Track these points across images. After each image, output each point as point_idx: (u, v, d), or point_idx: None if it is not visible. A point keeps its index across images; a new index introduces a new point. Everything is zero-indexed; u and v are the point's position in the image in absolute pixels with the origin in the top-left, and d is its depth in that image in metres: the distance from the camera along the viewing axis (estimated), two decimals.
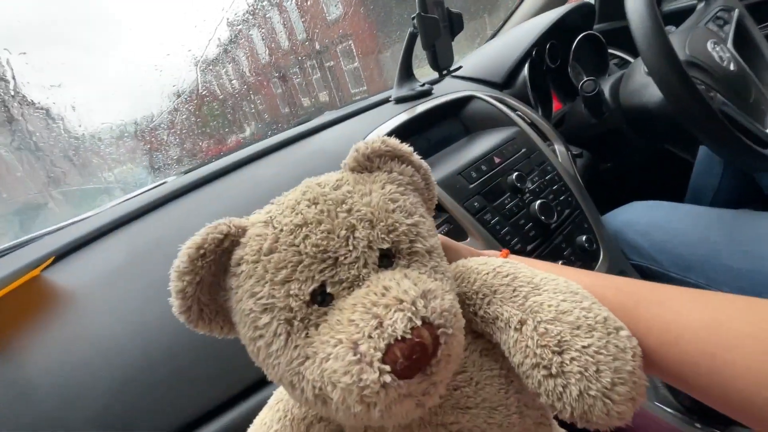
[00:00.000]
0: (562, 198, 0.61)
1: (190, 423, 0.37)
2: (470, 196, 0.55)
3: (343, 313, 0.22)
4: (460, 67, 0.78)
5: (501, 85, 0.81)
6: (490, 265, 0.29)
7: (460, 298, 0.28)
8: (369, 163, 0.28)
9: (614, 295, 0.27)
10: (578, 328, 0.23)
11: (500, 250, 0.41)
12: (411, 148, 0.30)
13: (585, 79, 0.68)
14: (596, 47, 0.93)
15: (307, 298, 0.23)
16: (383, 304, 0.21)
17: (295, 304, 0.23)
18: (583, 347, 0.23)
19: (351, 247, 0.24)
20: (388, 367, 0.19)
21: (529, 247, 0.55)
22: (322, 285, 0.23)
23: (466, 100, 0.73)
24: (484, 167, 0.58)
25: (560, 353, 0.23)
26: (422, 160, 0.30)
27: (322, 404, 0.22)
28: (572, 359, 0.23)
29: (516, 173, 0.58)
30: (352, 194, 0.25)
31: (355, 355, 0.20)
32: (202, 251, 0.24)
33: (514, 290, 0.27)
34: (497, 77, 0.81)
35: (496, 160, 0.60)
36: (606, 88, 0.75)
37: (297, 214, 0.25)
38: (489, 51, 0.92)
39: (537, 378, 0.24)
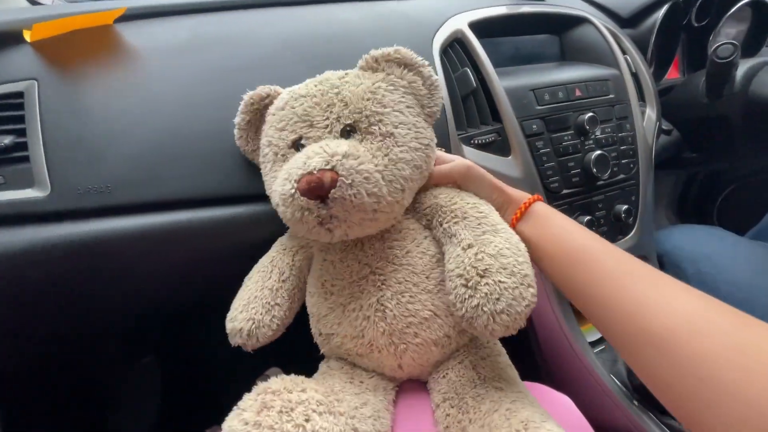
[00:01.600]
0: (624, 161, 0.56)
1: (200, 200, 0.41)
2: (532, 117, 0.51)
3: (299, 154, 0.32)
4: None
5: (624, 21, 0.69)
6: (473, 198, 0.38)
7: (438, 209, 0.37)
8: (376, 65, 0.37)
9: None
10: (504, 269, 0.31)
11: (533, 190, 0.43)
12: (424, 61, 0.37)
13: (723, 41, 0.56)
14: (760, 21, 0.76)
15: (290, 143, 0.35)
16: (315, 152, 0.31)
17: (282, 144, 0.36)
18: (499, 281, 0.31)
19: (325, 117, 0.35)
20: (296, 184, 0.30)
21: (565, 191, 0.52)
22: (300, 137, 0.35)
23: (578, 20, 0.63)
24: (561, 94, 0.53)
25: (481, 276, 0.31)
26: (432, 73, 0.38)
27: (279, 211, 0.34)
28: (486, 284, 0.31)
29: (590, 114, 0.53)
30: (347, 83, 0.36)
31: (286, 175, 0.32)
32: (251, 100, 0.39)
33: (479, 224, 0.35)
34: (624, 10, 0.69)
35: (578, 92, 0.54)
36: (742, 68, 0.63)
37: (305, 87, 0.37)
38: None
39: (456, 283, 0.32)
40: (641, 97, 0.63)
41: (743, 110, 0.62)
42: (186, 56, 0.45)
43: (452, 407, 0.34)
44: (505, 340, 0.41)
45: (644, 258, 0.59)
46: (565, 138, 0.52)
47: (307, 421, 0.27)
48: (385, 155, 0.33)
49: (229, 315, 0.38)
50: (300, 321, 0.42)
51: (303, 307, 0.41)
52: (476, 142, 0.50)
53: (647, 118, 0.62)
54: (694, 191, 1.00)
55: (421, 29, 0.53)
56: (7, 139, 0.37)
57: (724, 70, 0.59)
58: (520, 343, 0.57)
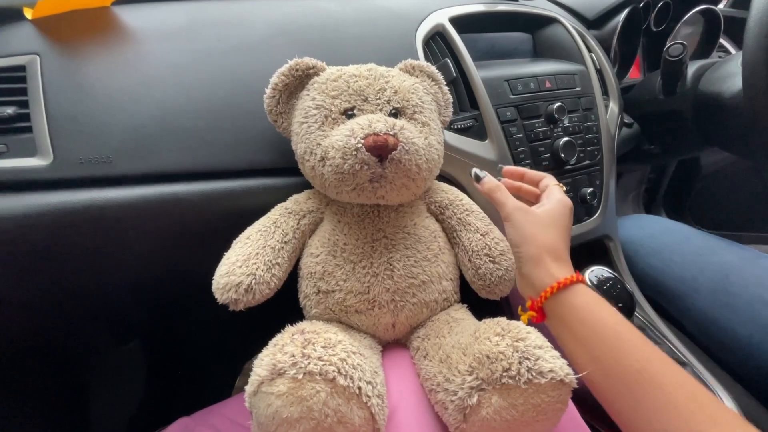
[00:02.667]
0: (589, 148, 0.62)
1: (195, 173, 0.44)
2: (506, 105, 0.56)
3: (360, 118, 0.37)
4: None
5: (589, 22, 0.75)
6: (470, 199, 0.47)
7: (451, 202, 0.46)
8: (412, 71, 0.45)
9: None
10: (508, 249, 0.43)
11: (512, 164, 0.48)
12: (443, 80, 0.47)
13: (675, 42, 0.63)
14: (710, 28, 0.84)
15: (342, 110, 0.39)
16: (377, 119, 0.36)
17: (335, 109, 0.39)
18: (509, 257, 0.43)
19: (377, 97, 0.40)
20: (362, 140, 0.35)
21: None
22: (353, 107, 0.39)
23: (549, 20, 0.69)
24: (532, 84, 0.58)
25: (500, 255, 0.43)
26: (448, 91, 0.47)
27: (323, 164, 0.37)
28: (505, 259, 0.43)
29: (559, 104, 0.58)
30: (394, 76, 0.42)
31: (349, 132, 0.35)
32: (297, 66, 0.42)
33: (483, 217, 0.46)
34: (590, 12, 0.75)
35: (548, 84, 0.59)
36: (693, 68, 0.70)
37: (357, 69, 0.42)
38: None
39: (484, 260, 0.43)
40: (605, 91, 0.69)
41: (693, 106, 0.69)
42: (182, 38, 0.47)
43: (429, 339, 0.39)
44: (482, 317, 0.46)
45: (607, 238, 0.65)
46: (537, 125, 0.57)
47: (347, 356, 0.29)
48: (425, 138, 0.39)
49: (222, 270, 0.37)
50: (288, 303, 0.43)
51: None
52: (456, 126, 0.54)
53: (610, 111, 0.68)
54: (669, 185, 1.08)
55: (404, 22, 0.57)
56: (10, 109, 0.38)
57: (675, 67, 0.66)
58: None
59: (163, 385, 0.79)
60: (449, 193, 0.47)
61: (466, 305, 0.46)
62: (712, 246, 0.62)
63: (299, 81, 0.42)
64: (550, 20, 0.69)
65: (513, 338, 0.31)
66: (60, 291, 0.48)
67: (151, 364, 0.77)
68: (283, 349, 0.28)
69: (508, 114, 0.56)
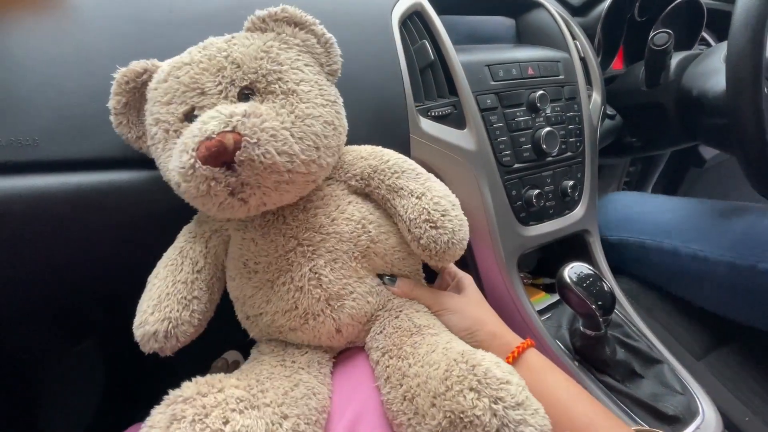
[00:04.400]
0: (571, 140, 0.60)
1: (135, 159, 0.39)
2: (486, 92, 0.53)
3: (193, 124, 0.29)
4: None
5: (575, 9, 0.73)
6: (395, 153, 0.40)
7: (375, 169, 0.38)
8: (264, 25, 0.35)
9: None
10: (453, 206, 0.38)
11: (486, 163, 0.49)
12: (315, 20, 0.36)
13: (660, 30, 0.61)
14: (693, 19, 0.83)
15: (181, 116, 0.32)
16: (210, 117, 0.28)
17: (172, 119, 0.32)
18: (455, 216, 0.37)
19: (217, 83, 0.31)
20: (194, 153, 0.27)
21: (516, 165, 0.54)
22: (192, 108, 0.32)
23: (534, 5, 0.66)
24: (514, 71, 0.55)
25: (442, 216, 0.36)
26: (325, 31, 0.37)
27: (180, 192, 0.31)
28: (449, 220, 0.36)
29: (541, 92, 0.55)
30: (235, 45, 0.33)
31: (182, 146, 0.28)
32: (126, 79, 0.34)
33: (417, 174, 0.39)
34: None
35: (530, 71, 0.56)
36: (676, 59, 0.68)
37: (188, 54, 0.33)
38: None
39: (424, 227, 0.36)
40: (588, 81, 0.67)
41: (676, 100, 0.67)
42: (125, 6, 0.42)
43: (391, 358, 0.34)
44: None
45: (587, 233, 0.63)
46: (518, 114, 0.54)
47: (225, 423, 0.25)
48: (291, 112, 0.32)
49: (137, 320, 0.34)
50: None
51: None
52: (433, 114, 0.50)
53: (593, 101, 0.66)
54: (659, 177, 1.08)
55: (379, 0, 0.53)
56: None
57: (659, 57, 0.64)
58: None
59: (120, 388, 0.74)
60: (371, 158, 0.39)
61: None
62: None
63: (139, 93, 0.35)
64: (535, 5, 0.66)
65: (490, 397, 0.26)
66: None
67: (107, 366, 0.72)
68: (150, 431, 0.25)
69: (489, 101, 0.52)
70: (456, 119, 0.52)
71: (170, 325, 0.33)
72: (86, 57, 0.38)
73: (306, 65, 0.35)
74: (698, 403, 0.48)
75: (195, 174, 0.27)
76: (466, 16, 0.63)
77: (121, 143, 0.38)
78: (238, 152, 0.27)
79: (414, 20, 0.53)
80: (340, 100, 0.37)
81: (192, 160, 0.27)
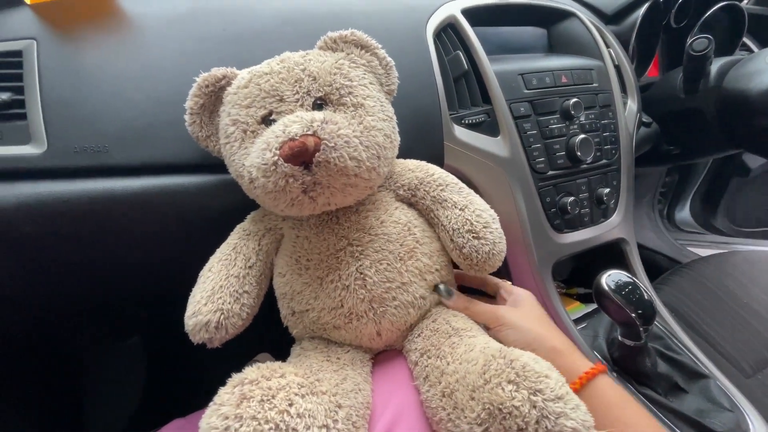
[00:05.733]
0: (606, 147, 0.59)
1: (192, 165, 0.42)
2: (520, 100, 0.53)
3: (275, 125, 0.32)
4: None
5: (608, 17, 0.72)
6: (438, 168, 0.43)
7: (421, 181, 0.41)
8: (335, 45, 0.39)
9: None
10: (493, 219, 0.41)
11: (521, 169, 0.50)
12: (377, 44, 0.40)
13: (699, 36, 0.60)
14: (734, 25, 0.81)
15: (259, 119, 0.35)
16: (293, 120, 0.31)
17: (251, 120, 0.35)
18: (495, 228, 0.40)
19: (294, 91, 0.35)
20: (278, 151, 0.30)
21: (550, 172, 0.54)
22: (270, 113, 0.35)
23: (566, 14, 0.66)
24: (548, 79, 0.55)
25: (484, 228, 0.39)
26: (386, 54, 0.41)
27: (253, 186, 0.33)
28: (490, 232, 0.39)
29: (575, 100, 0.55)
30: (311, 60, 0.36)
31: (265, 145, 0.31)
32: (206, 82, 0.37)
33: (460, 189, 0.42)
34: (608, 7, 0.72)
35: (564, 79, 0.57)
36: (716, 65, 0.67)
37: (267, 65, 0.37)
38: None
39: (467, 237, 0.38)
40: (623, 88, 0.66)
41: (717, 105, 0.65)
42: (184, 26, 0.46)
43: (429, 358, 0.35)
44: None
45: (624, 241, 0.62)
46: (552, 121, 0.55)
47: (290, 405, 0.26)
48: (360, 123, 0.35)
49: (189, 310, 0.36)
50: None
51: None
52: (467, 122, 0.52)
53: (628, 109, 0.65)
54: (701, 185, 1.03)
55: (415, 13, 0.55)
56: (5, 95, 0.37)
57: (699, 63, 0.62)
58: None
59: (160, 385, 0.77)
60: (417, 170, 0.42)
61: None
62: None
63: (215, 97, 0.38)
64: (567, 14, 0.66)
65: (529, 389, 0.27)
66: (52, 285, 0.47)
67: (149, 363, 0.76)
68: (219, 410, 0.26)
69: (522, 109, 0.53)
70: (489, 127, 0.52)
71: (222, 317, 0.35)
72: (151, 72, 0.42)
73: (370, 83, 0.38)
74: (749, 421, 0.45)
75: (276, 170, 0.30)
76: (498, 27, 0.64)
77: (180, 150, 0.41)
78: (317, 154, 0.30)
79: (448, 32, 0.55)
80: (395, 118, 0.40)
81: (275, 158, 0.30)
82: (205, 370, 0.82)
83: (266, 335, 0.45)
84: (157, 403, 0.75)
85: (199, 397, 0.50)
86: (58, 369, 0.65)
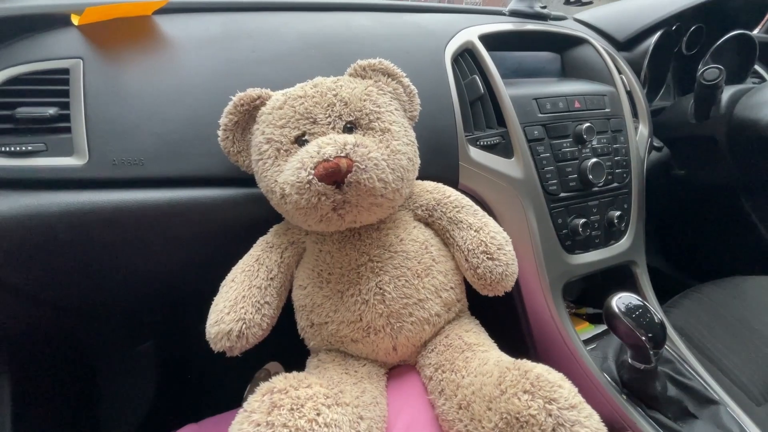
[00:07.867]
0: (618, 171, 0.60)
1: (222, 179, 0.44)
2: (534, 123, 0.55)
3: (309, 146, 0.34)
4: (591, 2, 0.72)
5: (620, 44, 0.74)
6: (454, 190, 0.45)
7: (438, 202, 0.43)
8: (363, 73, 0.41)
9: None
10: (506, 241, 0.42)
11: (534, 191, 0.51)
12: (402, 72, 0.42)
13: (710, 66, 0.61)
14: (744, 53, 0.82)
15: (292, 139, 0.37)
16: (326, 142, 0.33)
17: (284, 140, 0.37)
18: (508, 251, 0.42)
19: (327, 115, 0.37)
20: (313, 170, 0.32)
21: (562, 194, 0.56)
22: (303, 133, 0.37)
23: (579, 41, 0.68)
24: (561, 104, 0.57)
25: (498, 250, 0.40)
26: (410, 83, 0.43)
27: (284, 202, 0.35)
28: (504, 254, 0.41)
29: (588, 125, 0.57)
30: (342, 86, 0.39)
31: (300, 164, 0.33)
32: (242, 101, 0.40)
33: (474, 211, 0.44)
34: (620, 34, 0.74)
35: (577, 104, 0.58)
36: (728, 93, 0.68)
37: (302, 89, 0.39)
38: (627, 5, 0.83)
39: (482, 258, 0.40)
40: (635, 113, 0.68)
41: (728, 131, 0.66)
42: (216, 47, 0.49)
43: (444, 372, 0.36)
44: (503, 338, 0.45)
45: (634, 264, 0.62)
46: (564, 145, 0.56)
47: (318, 414, 0.28)
48: (387, 146, 0.37)
49: (212, 319, 0.37)
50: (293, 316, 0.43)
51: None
52: (482, 143, 0.53)
53: (640, 134, 0.66)
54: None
55: (434, 39, 0.57)
56: (52, 110, 0.39)
57: (710, 92, 0.64)
58: (517, 341, 0.59)
59: (173, 390, 0.79)
60: (435, 192, 0.44)
61: (477, 321, 0.44)
62: None
63: (249, 115, 0.41)
64: (580, 40, 0.68)
65: (544, 398, 0.28)
66: (81, 290, 0.49)
67: (163, 368, 0.77)
68: (250, 417, 0.27)
69: (536, 132, 0.55)
70: (504, 149, 0.54)
71: (243, 326, 0.36)
72: (184, 90, 0.45)
73: (396, 109, 0.40)
74: None
75: (310, 188, 0.32)
76: (513, 52, 0.66)
77: (209, 164, 0.43)
78: (349, 174, 0.32)
79: (465, 57, 0.57)
80: (416, 142, 0.42)
81: (310, 177, 0.32)
82: (215, 377, 0.83)
83: (274, 344, 0.46)
84: (167, 408, 0.76)
85: (210, 403, 0.51)
86: (73, 373, 0.67)
